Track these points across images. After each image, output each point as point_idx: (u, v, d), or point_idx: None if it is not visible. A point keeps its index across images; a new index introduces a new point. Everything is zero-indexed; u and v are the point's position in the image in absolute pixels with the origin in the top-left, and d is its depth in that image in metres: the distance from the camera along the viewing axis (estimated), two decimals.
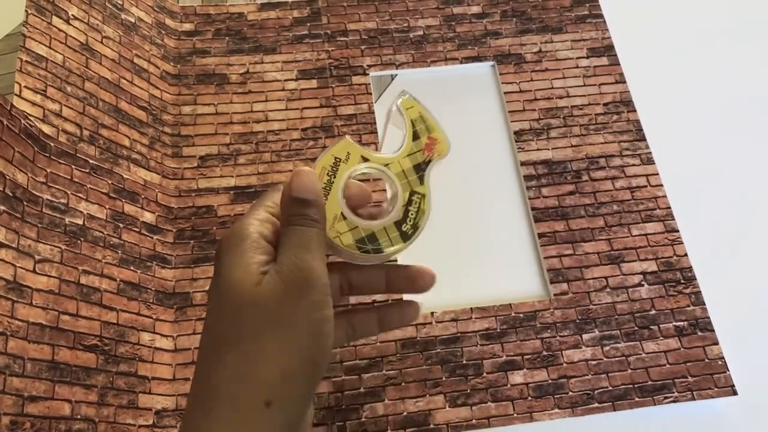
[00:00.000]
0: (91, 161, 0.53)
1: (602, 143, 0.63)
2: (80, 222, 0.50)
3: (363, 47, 0.67)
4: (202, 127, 0.62)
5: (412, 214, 0.37)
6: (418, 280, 0.40)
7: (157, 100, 0.62)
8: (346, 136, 0.38)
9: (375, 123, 0.63)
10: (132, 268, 0.53)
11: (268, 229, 0.36)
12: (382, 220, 0.37)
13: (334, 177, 0.37)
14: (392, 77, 0.67)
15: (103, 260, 0.51)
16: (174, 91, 0.64)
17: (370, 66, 0.66)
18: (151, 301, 0.53)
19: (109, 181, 0.54)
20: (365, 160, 0.38)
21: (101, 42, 0.59)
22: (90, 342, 0.48)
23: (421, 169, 0.38)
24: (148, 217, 0.56)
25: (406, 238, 0.37)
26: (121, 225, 0.53)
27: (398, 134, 0.39)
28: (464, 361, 0.54)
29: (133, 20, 0.63)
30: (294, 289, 0.33)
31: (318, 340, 0.33)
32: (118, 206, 0.54)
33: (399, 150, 0.39)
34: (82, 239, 0.50)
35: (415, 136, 0.38)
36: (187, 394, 0.51)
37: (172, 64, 0.65)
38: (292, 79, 0.65)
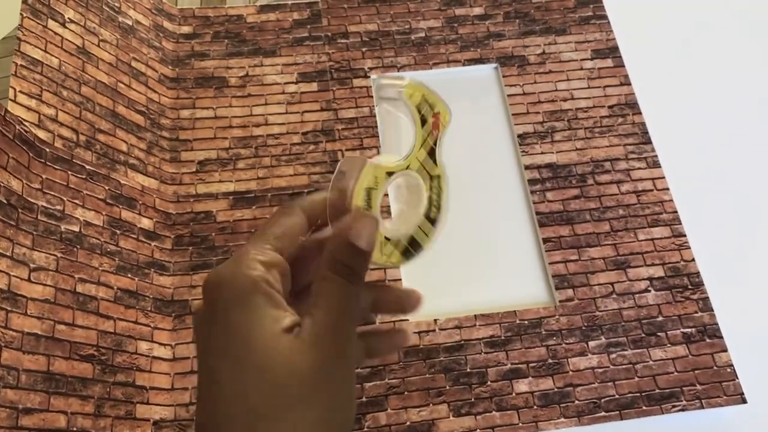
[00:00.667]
0: (87, 167, 0.52)
1: (607, 146, 0.62)
2: (76, 229, 0.50)
3: (364, 49, 0.67)
4: (201, 131, 0.62)
5: (434, 199, 0.36)
6: (405, 302, 0.36)
7: (155, 104, 0.61)
8: (367, 160, 0.35)
9: (376, 126, 0.62)
10: (129, 275, 0.52)
11: (276, 277, 0.31)
12: (415, 220, 0.36)
13: (370, 207, 0.35)
14: None
15: (100, 268, 0.50)
16: (172, 94, 0.63)
17: (371, 68, 0.65)
18: (149, 309, 0.52)
19: (106, 187, 0.53)
20: (390, 174, 0.37)
21: (98, 45, 0.58)
22: (86, 352, 0.47)
23: (433, 152, 0.37)
24: (146, 223, 0.55)
25: (435, 223, 0.36)
26: (118, 232, 0.52)
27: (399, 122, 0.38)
28: (468, 369, 0.53)
29: (130, 23, 0.62)
30: (330, 360, 0.29)
31: (348, 416, 0.30)
32: (115, 212, 0.53)
33: (413, 145, 0.37)
34: (78, 247, 0.49)
35: (423, 122, 0.37)
36: (185, 404, 0.50)
37: (170, 67, 0.64)
38: (292, 82, 0.65)
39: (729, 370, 0.53)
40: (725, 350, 0.54)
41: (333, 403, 0.29)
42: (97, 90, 0.56)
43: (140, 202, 0.55)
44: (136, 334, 0.50)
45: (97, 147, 0.54)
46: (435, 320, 0.54)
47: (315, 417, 0.29)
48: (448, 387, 0.52)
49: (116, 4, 0.61)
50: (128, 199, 0.54)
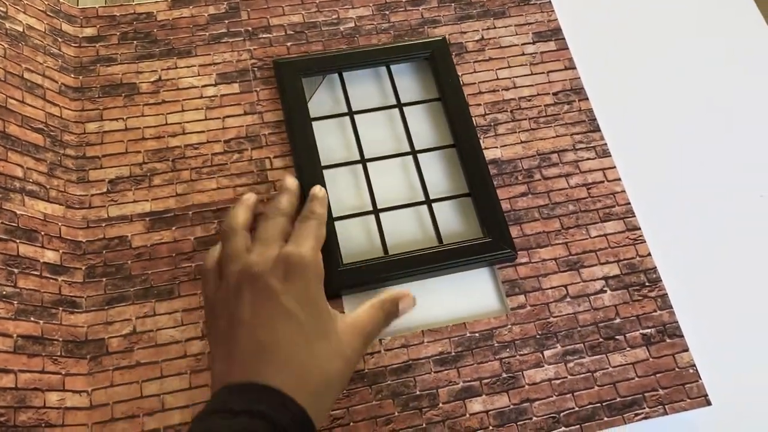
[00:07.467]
0: None
1: (554, 137, 0.58)
2: None
3: (289, 44, 0.61)
4: (111, 146, 0.55)
5: None
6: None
7: (55, 119, 0.54)
8: None
9: None
10: (32, 318, 0.46)
11: None
12: None
13: None
14: (323, 76, 0.61)
15: None
16: (76, 106, 0.56)
17: None
18: (58, 354, 0.47)
19: None
20: None
21: None
22: None
23: None
24: (51, 256, 0.49)
25: None
26: (15, 270, 0.47)
27: None
28: (418, 392, 0.49)
29: (20, 29, 0.55)
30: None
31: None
32: (11, 248, 0.47)
33: None
34: None
35: None
36: None
37: (72, 75, 0.57)
38: (210, 85, 0.59)
39: (692, 371, 0.50)
40: (687, 350, 0.51)
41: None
42: None
43: (42, 233, 0.49)
44: (44, 385, 0.45)
45: None
46: (380, 340, 0.50)
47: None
48: (396, 413, 0.48)
49: (1, 9, 0.54)
50: (27, 231, 0.48)
